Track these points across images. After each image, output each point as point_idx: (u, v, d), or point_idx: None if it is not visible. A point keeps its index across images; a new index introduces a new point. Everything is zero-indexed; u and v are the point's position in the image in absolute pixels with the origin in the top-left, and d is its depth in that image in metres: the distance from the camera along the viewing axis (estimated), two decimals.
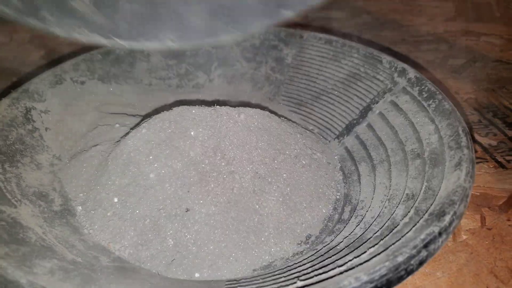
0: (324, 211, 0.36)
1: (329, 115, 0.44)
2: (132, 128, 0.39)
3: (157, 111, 0.40)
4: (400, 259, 0.22)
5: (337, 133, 0.43)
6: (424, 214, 0.26)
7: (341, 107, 0.44)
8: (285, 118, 0.43)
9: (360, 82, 0.43)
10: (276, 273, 0.29)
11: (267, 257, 0.32)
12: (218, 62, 0.50)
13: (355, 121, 0.42)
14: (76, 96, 0.43)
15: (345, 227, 0.33)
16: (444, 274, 0.32)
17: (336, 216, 0.36)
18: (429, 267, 0.33)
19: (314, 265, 0.28)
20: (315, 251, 0.32)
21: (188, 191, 0.34)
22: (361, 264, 0.24)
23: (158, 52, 0.48)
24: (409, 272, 0.23)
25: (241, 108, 0.38)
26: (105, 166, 0.36)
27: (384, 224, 0.29)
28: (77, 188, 0.37)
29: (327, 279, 0.24)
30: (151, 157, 0.35)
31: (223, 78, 0.50)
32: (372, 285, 0.21)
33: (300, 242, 0.34)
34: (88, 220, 0.34)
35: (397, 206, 0.30)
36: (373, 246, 0.26)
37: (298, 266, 0.29)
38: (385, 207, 0.32)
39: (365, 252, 0.26)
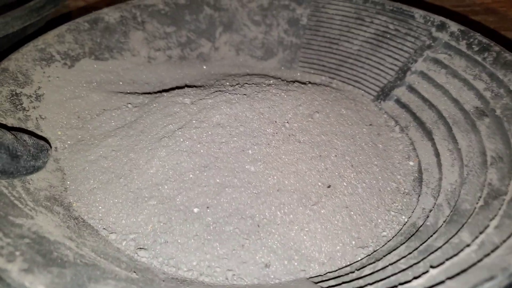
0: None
1: (359, 79, 0.40)
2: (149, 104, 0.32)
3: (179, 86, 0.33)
4: None
5: (370, 98, 0.39)
6: None
7: (373, 69, 0.40)
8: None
9: (391, 41, 0.39)
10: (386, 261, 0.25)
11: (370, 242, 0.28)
12: (222, 27, 0.43)
13: (391, 84, 0.38)
14: (69, 75, 0.35)
15: (418, 199, 0.30)
16: None
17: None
18: None
19: (419, 249, 0.24)
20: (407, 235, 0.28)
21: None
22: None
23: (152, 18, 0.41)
24: None
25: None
26: (129, 183, 0.30)
27: (483, 193, 0.26)
28: (95, 201, 0.29)
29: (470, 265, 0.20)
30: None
31: (230, 46, 0.44)
32: None
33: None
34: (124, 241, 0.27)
35: (486, 170, 0.27)
36: (494, 218, 0.23)
37: (401, 252, 0.25)
38: (467, 174, 0.29)
39: (487, 226, 0.22)
